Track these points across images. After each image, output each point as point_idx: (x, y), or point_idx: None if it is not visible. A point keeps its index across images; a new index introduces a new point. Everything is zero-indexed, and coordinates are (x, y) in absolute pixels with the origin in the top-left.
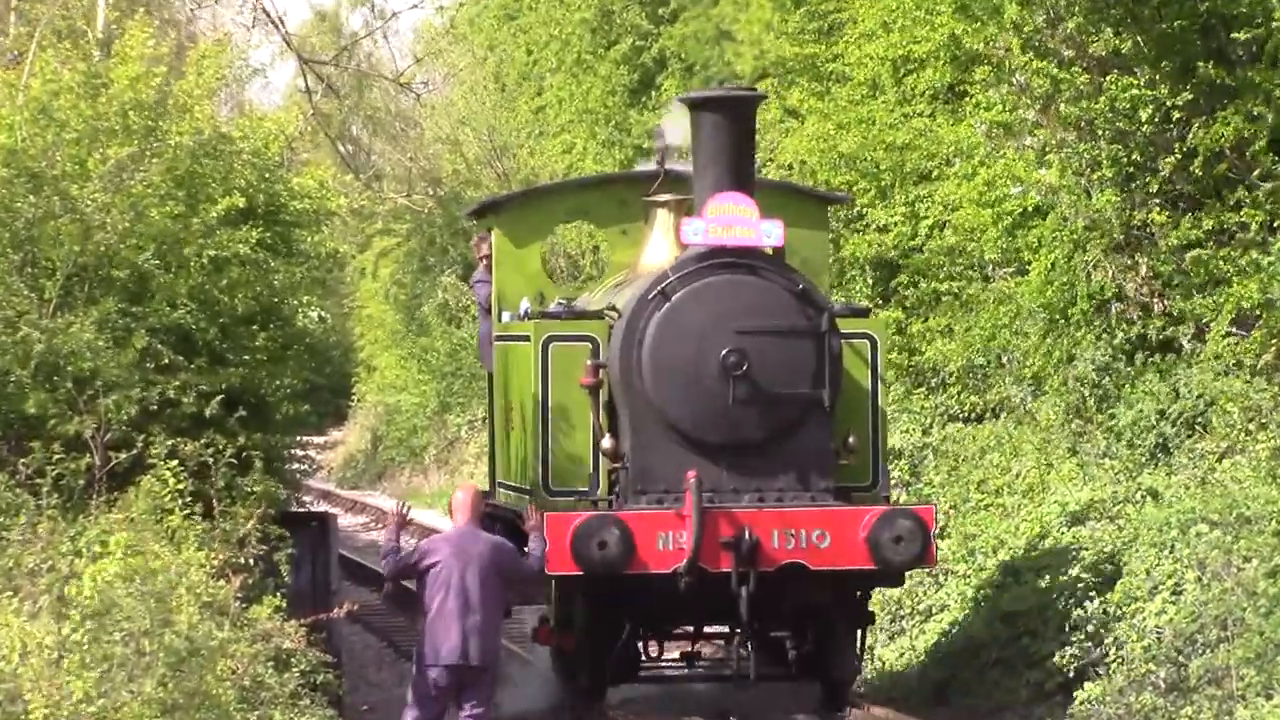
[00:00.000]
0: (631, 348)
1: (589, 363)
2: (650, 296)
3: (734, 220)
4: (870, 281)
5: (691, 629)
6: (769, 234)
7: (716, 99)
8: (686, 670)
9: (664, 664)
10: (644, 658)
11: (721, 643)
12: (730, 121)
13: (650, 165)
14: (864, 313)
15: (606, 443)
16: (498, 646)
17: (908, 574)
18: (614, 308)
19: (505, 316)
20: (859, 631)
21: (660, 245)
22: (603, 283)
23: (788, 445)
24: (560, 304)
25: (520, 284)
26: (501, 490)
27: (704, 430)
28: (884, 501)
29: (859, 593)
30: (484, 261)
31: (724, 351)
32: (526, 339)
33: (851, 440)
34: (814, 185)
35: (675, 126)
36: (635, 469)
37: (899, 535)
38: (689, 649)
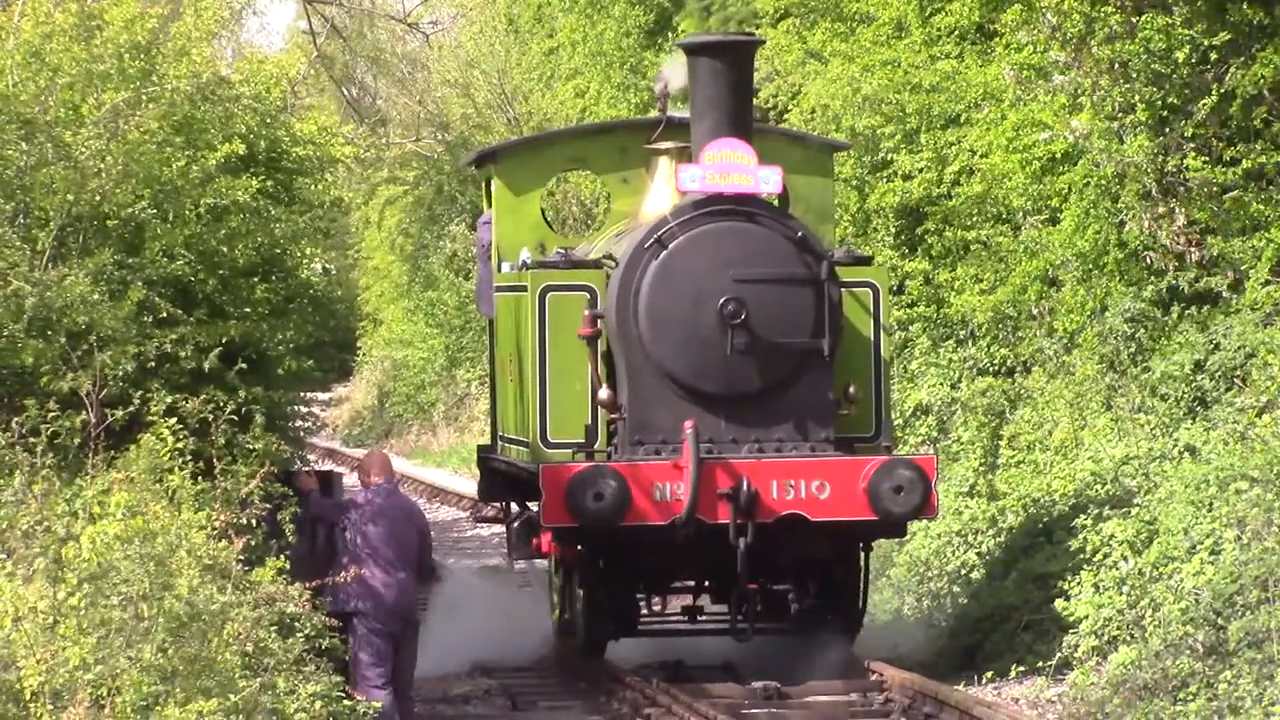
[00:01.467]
0: (628, 297)
1: (586, 313)
2: (647, 245)
3: (731, 167)
4: (894, 230)
5: (693, 583)
6: (767, 180)
7: (713, 44)
8: (686, 625)
9: (665, 618)
10: (645, 612)
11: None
12: (728, 67)
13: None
14: (866, 261)
15: (604, 394)
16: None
17: (916, 528)
18: (611, 256)
19: (505, 267)
20: (861, 583)
21: (662, 193)
22: (604, 231)
23: (787, 395)
24: (559, 253)
25: (520, 233)
26: (503, 443)
27: (702, 380)
28: (885, 452)
29: (860, 544)
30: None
31: (721, 300)
32: (524, 289)
33: (852, 390)
34: (839, 130)
35: (677, 72)
36: (633, 420)
37: (899, 485)
38: (690, 603)
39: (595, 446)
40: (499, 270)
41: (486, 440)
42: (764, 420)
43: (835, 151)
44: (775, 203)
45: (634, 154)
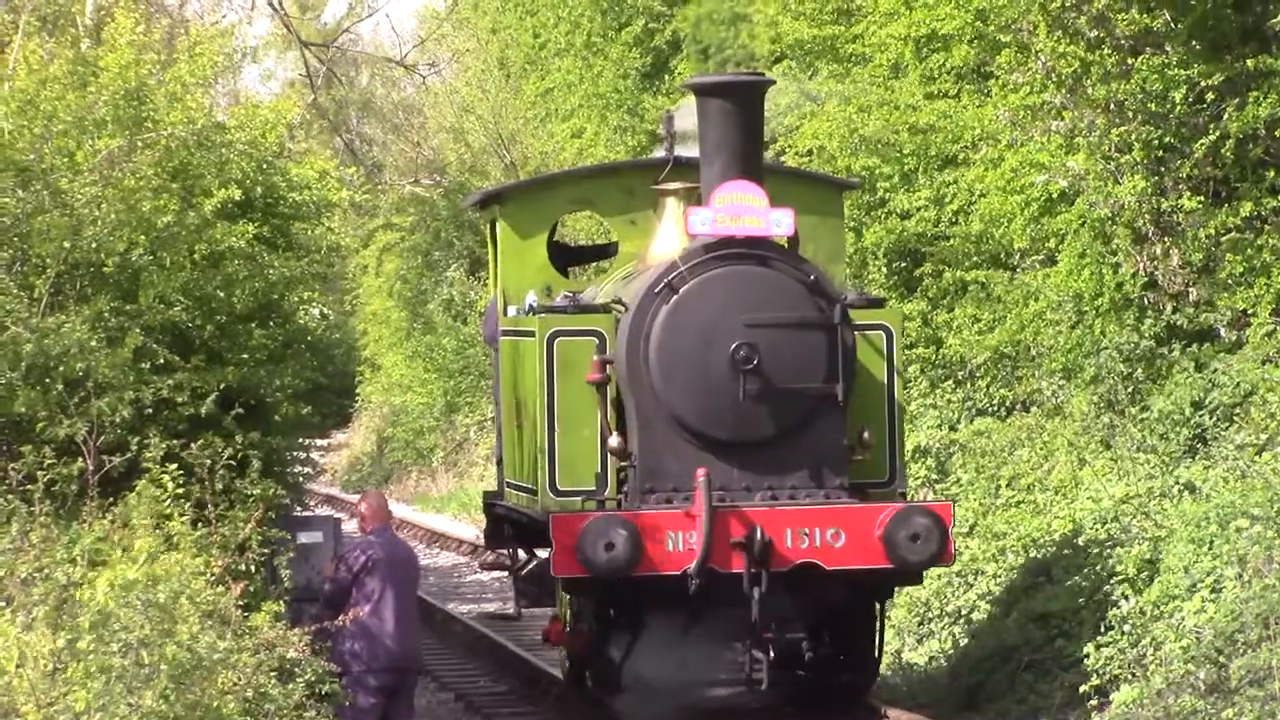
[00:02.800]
0: (638, 342)
1: (595, 358)
2: (657, 289)
3: (742, 209)
4: (886, 271)
5: None
6: (779, 223)
7: (723, 84)
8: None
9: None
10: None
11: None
12: (738, 108)
13: (660, 152)
14: (879, 303)
15: (614, 440)
16: (420, 652)
17: (926, 574)
18: (621, 301)
19: (510, 310)
20: (876, 634)
21: (670, 235)
22: (611, 274)
23: (800, 441)
24: (566, 297)
25: (526, 276)
26: (510, 490)
27: (713, 427)
28: (901, 499)
29: (875, 593)
30: None
31: (733, 345)
32: (531, 334)
33: (866, 435)
34: (835, 170)
35: (685, 113)
36: (643, 467)
37: (916, 533)
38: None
39: (605, 494)
40: (504, 314)
41: (489, 485)
42: (777, 467)
43: (845, 190)
44: (785, 244)
45: (641, 195)
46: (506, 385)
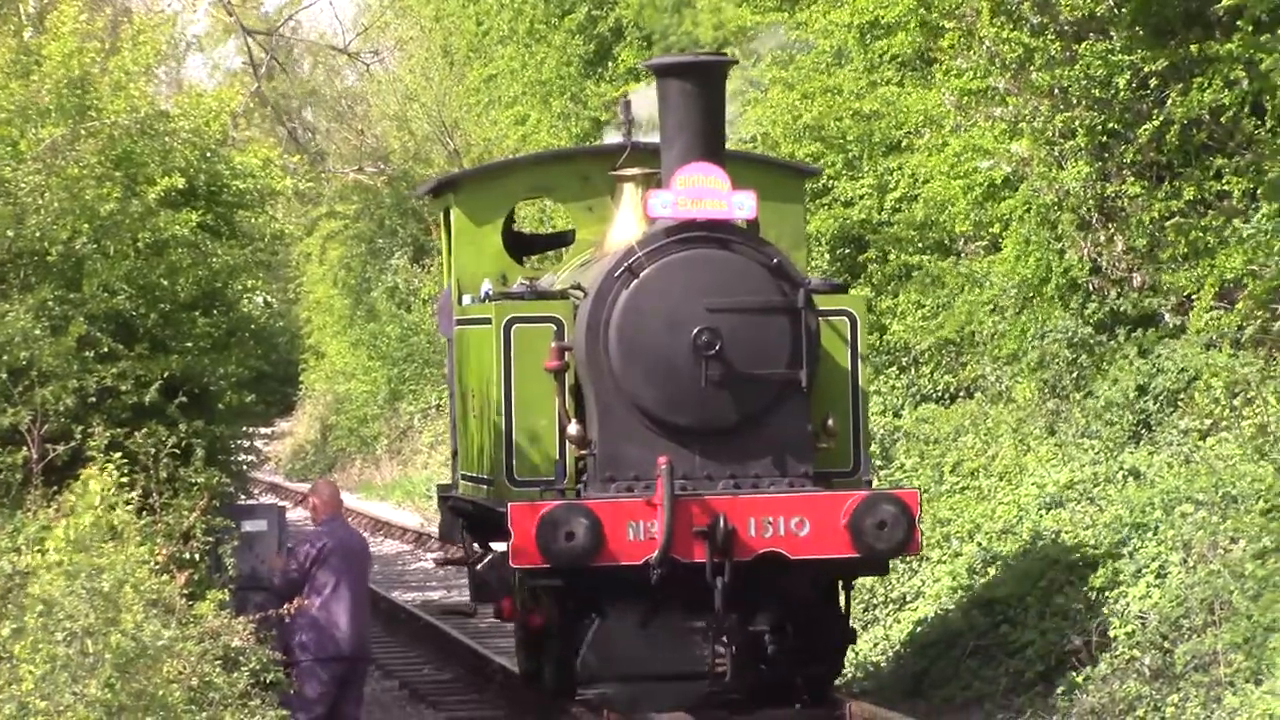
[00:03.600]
0: (598, 328)
1: (553, 345)
2: (617, 274)
3: (704, 192)
4: (830, 258)
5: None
6: (741, 206)
7: (684, 65)
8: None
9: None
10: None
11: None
12: (699, 88)
13: (616, 138)
14: (842, 289)
15: (573, 429)
16: (369, 641)
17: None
18: (579, 286)
19: (465, 299)
20: (842, 623)
21: (628, 222)
22: (568, 262)
23: (763, 428)
24: (523, 284)
25: (481, 264)
26: (465, 483)
27: (675, 414)
28: (866, 486)
29: (841, 583)
30: None
31: (695, 330)
32: (488, 322)
33: (830, 423)
34: (778, 157)
35: (642, 99)
36: (603, 456)
37: (882, 521)
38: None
39: (564, 484)
40: (459, 303)
41: (433, 473)
42: (740, 455)
43: (805, 177)
44: (746, 228)
45: (598, 181)
46: (462, 375)
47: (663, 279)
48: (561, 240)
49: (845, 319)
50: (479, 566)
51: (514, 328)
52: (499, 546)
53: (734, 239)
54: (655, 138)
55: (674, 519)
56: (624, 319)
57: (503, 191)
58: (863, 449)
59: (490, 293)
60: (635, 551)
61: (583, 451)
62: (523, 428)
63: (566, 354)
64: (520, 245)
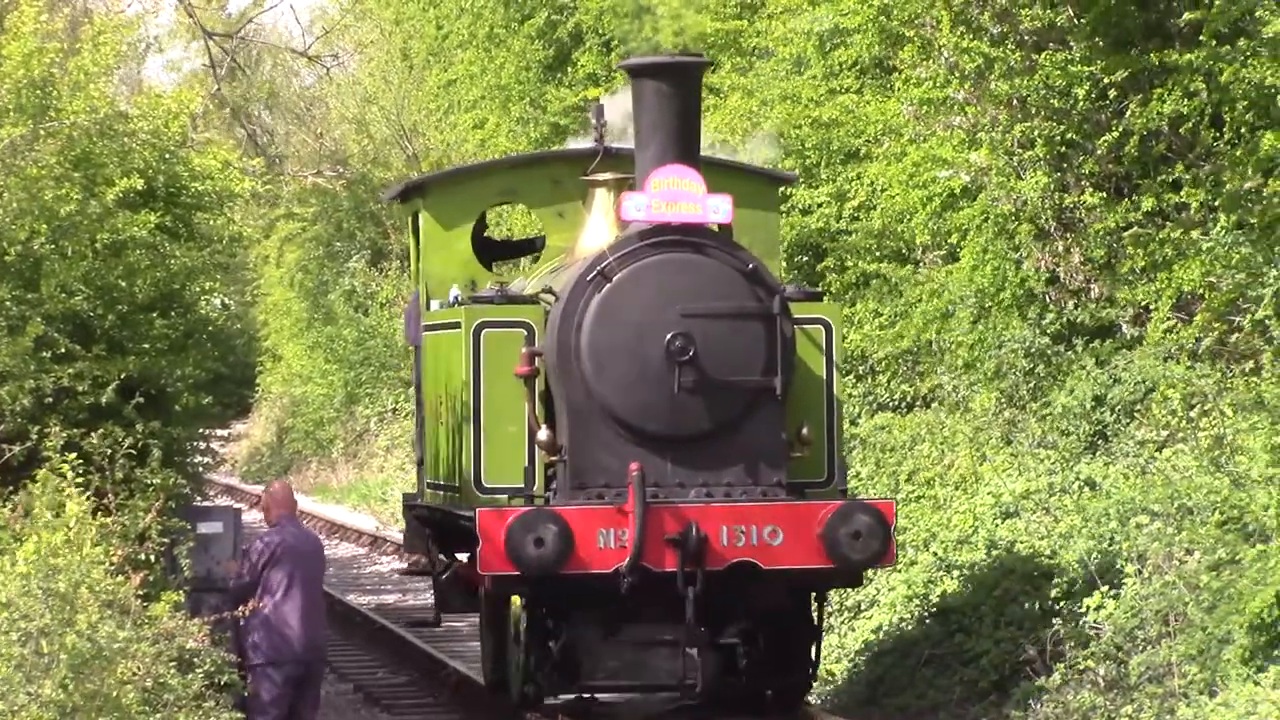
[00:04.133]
0: (569, 333)
1: (524, 350)
2: (589, 278)
3: (678, 195)
4: (787, 266)
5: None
6: (716, 209)
7: (659, 65)
8: (630, 680)
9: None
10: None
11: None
12: (674, 89)
13: (586, 142)
14: (818, 296)
15: (543, 435)
16: (327, 637)
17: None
18: (550, 290)
19: (434, 304)
20: (814, 635)
21: (600, 227)
22: (538, 267)
23: (737, 436)
24: (493, 289)
25: (450, 269)
26: (430, 490)
27: (647, 420)
28: (840, 496)
29: (814, 594)
30: None
31: (669, 336)
32: (457, 326)
33: (805, 431)
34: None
35: (615, 104)
36: (574, 463)
37: (857, 531)
38: (630, 656)
39: (533, 491)
40: (427, 308)
41: (389, 476)
42: (713, 463)
43: (780, 184)
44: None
45: (569, 186)
46: (430, 381)
47: (636, 283)
48: (531, 246)
49: (821, 327)
50: (444, 577)
51: (484, 332)
52: (464, 558)
53: (709, 243)
54: (626, 143)
55: (645, 527)
56: (596, 324)
57: (472, 196)
58: (837, 458)
59: (459, 298)
60: (605, 559)
61: (553, 458)
62: (492, 434)
63: (537, 359)
64: (489, 251)
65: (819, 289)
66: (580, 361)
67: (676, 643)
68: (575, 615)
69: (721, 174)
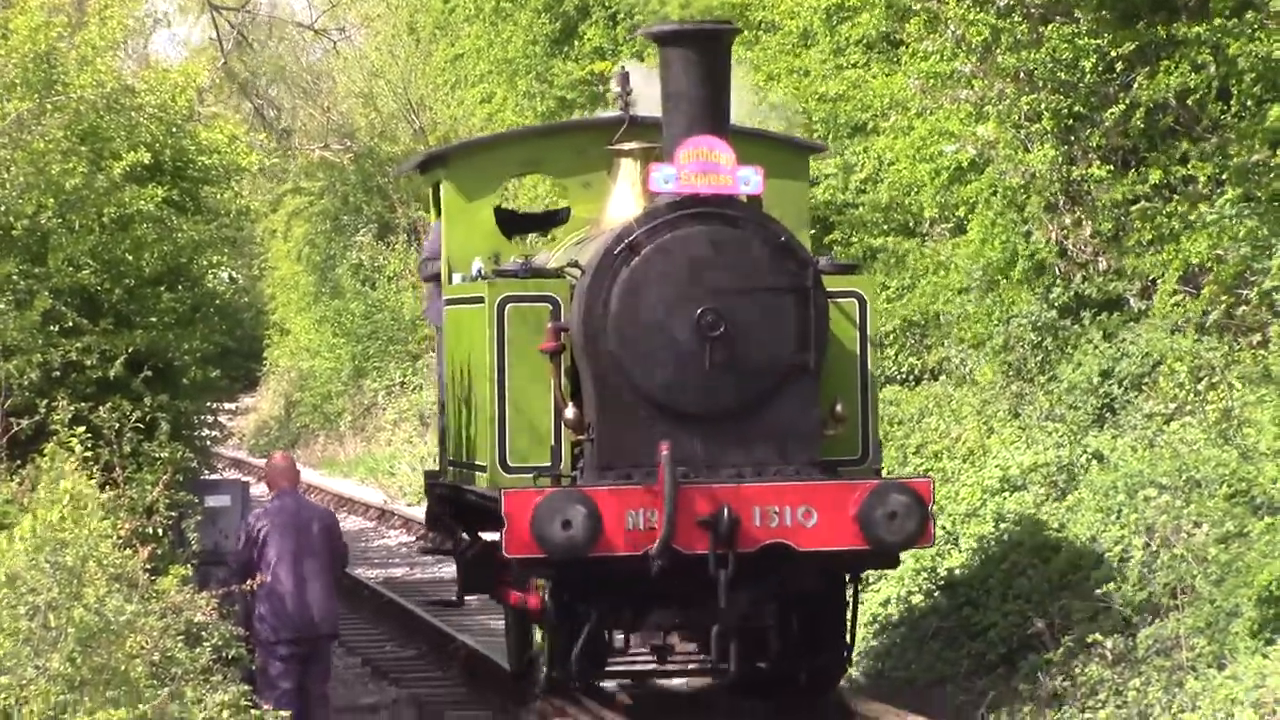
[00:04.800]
0: (596, 308)
1: (549, 325)
2: (616, 251)
3: (708, 166)
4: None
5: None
6: (747, 181)
7: (687, 33)
8: (659, 664)
9: (633, 657)
10: (610, 650)
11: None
12: (702, 58)
13: (613, 111)
14: (851, 269)
15: (569, 413)
16: (337, 611)
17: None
18: (576, 264)
19: (456, 278)
20: (848, 620)
21: (626, 198)
22: (563, 240)
23: (769, 414)
24: (518, 262)
25: (472, 242)
26: (454, 468)
27: (677, 398)
28: (875, 475)
29: (848, 576)
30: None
31: (699, 311)
32: (480, 301)
33: (839, 408)
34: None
35: (639, 70)
36: (601, 441)
37: (893, 511)
38: (660, 641)
39: (559, 470)
40: (449, 281)
41: (397, 449)
42: (744, 441)
43: (810, 153)
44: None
45: (594, 156)
46: (451, 356)
47: (665, 257)
48: (553, 220)
49: (854, 300)
50: (466, 556)
51: (508, 307)
52: (488, 537)
53: (740, 215)
54: (654, 111)
55: (675, 508)
56: (624, 299)
57: (495, 166)
58: (872, 436)
59: (482, 271)
60: (635, 542)
61: (579, 437)
62: (516, 412)
63: (563, 335)
64: (510, 225)
65: (853, 263)
66: (607, 337)
67: (707, 626)
68: (603, 599)
69: (749, 143)
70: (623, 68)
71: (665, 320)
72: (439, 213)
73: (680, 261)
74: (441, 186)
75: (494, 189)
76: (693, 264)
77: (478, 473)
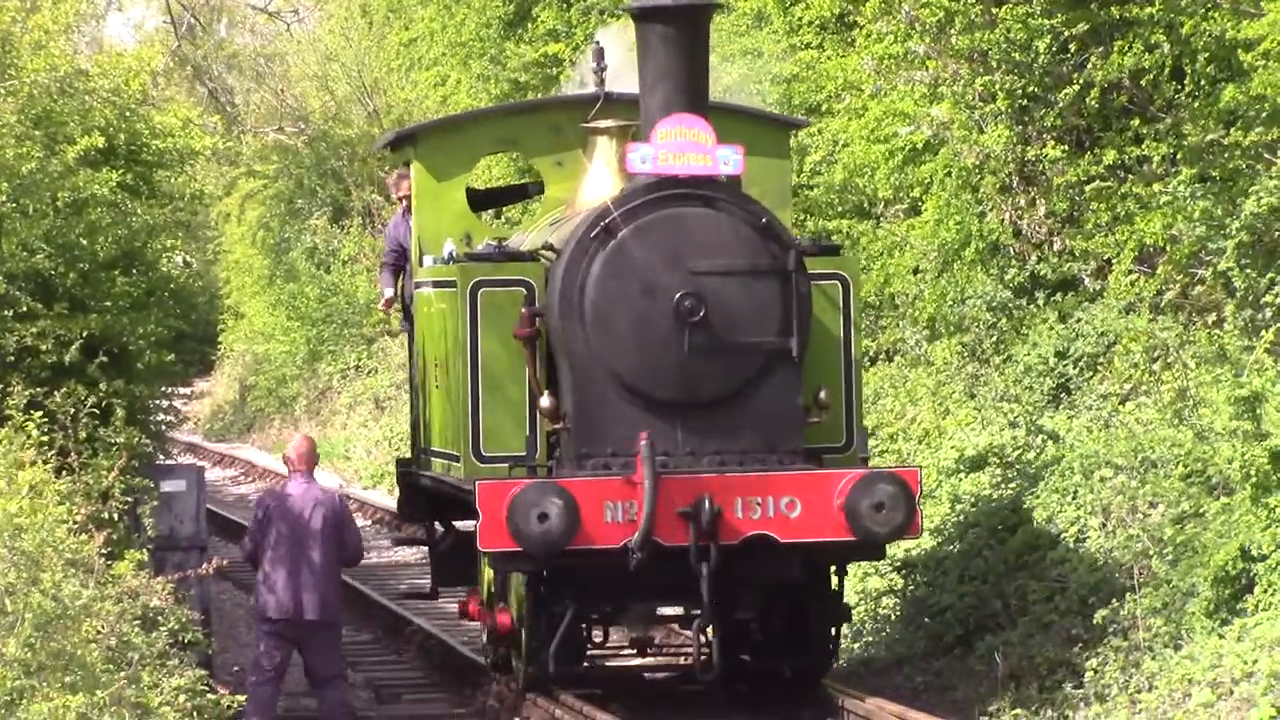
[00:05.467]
0: (572, 293)
1: (524, 310)
2: (592, 234)
3: (687, 146)
4: None
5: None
6: (726, 161)
7: (665, 8)
8: (639, 659)
9: (612, 651)
10: (589, 645)
11: (675, 627)
12: (681, 34)
13: (588, 88)
14: (834, 250)
15: (545, 401)
16: (335, 600)
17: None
18: (551, 247)
19: (426, 260)
20: (834, 612)
21: (601, 177)
22: (537, 221)
23: (751, 401)
24: (490, 245)
25: (443, 223)
26: (426, 456)
27: (656, 385)
28: (861, 464)
29: (834, 568)
30: (404, 203)
31: (678, 295)
32: (452, 285)
33: (823, 395)
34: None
35: (615, 44)
36: (578, 430)
37: (880, 502)
38: (640, 634)
39: (535, 460)
40: (420, 264)
41: (352, 434)
42: (725, 430)
43: (790, 129)
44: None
45: (569, 134)
46: (423, 342)
47: (642, 240)
48: (522, 194)
49: (837, 283)
50: (440, 548)
51: (481, 291)
52: (461, 526)
53: (719, 196)
54: (631, 87)
55: (655, 499)
56: (600, 283)
57: (467, 145)
58: (856, 423)
59: (454, 253)
60: (613, 534)
61: (556, 425)
62: (490, 400)
63: (538, 320)
64: (478, 202)
65: (837, 244)
66: (584, 323)
67: (688, 620)
68: (580, 592)
69: (727, 119)
70: (597, 42)
71: (643, 305)
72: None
73: (658, 244)
74: (412, 166)
75: (466, 169)
76: (670, 247)
77: (451, 462)
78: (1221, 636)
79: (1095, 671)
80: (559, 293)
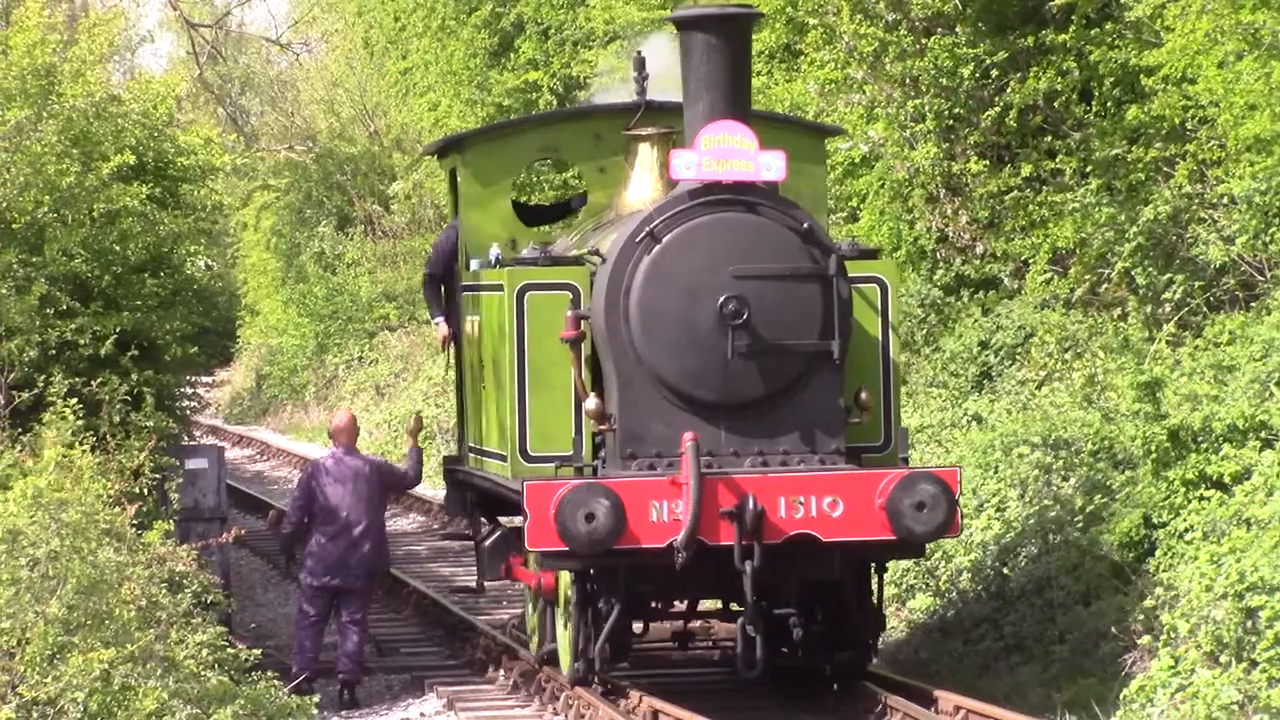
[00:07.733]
0: (617, 296)
1: (570, 314)
2: (638, 239)
3: (730, 152)
4: None
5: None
6: (769, 167)
7: (709, 17)
8: (682, 652)
9: (654, 645)
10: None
11: (714, 621)
12: (724, 42)
13: (622, 95)
14: (873, 254)
15: (590, 402)
16: (374, 560)
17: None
18: (597, 252)
19: (473, 264)
20: (874, 609)
21: (643, 183)
22: (580, 226)
23: (793, 403)
24: (535, 249)
25: (489, 228)
26: (474, 456)
27: (700, 387)
28: (901, 464)
29: (875, 567)
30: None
31: (721, 299)
32: (499, 289)
33: (864, 396)
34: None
35: (656, 53)
36: (623, 431)
37: (921, 501)
38: (679, 627)
39: (580, 460)
40: (466, 268)
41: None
42: (768, 430)
43: (826, 136)
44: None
45: (611, 141)
46: (469, 343)
47: (686, 244)
48: (567, 210)
49: (876, 286)
50: (486, 544)
51: (527, 295)
52: (506, 522)
53: (762, 202)
54: (671, 95)
55: (700, 499)
56: (645, 287)
57: (512, 152)
58: (895, 423)
59: (499, 258)
60: (659, 534)
61: (601, 426)
62: (536, 401)
63: (583, 323)
64: (524, 217)
65: (875, 247)
66: (629, 326)
67: (732, 617)
68: (626, 590)
69: (767, 126)
70: (639, 52)
71: (687, 308)
72: (455, 198)
73: (702, 249)
74: (458, 172)
75: (512, 175)
76: (714, 252)
77: (498, 461)
78: (1125, 594)
79: (1014, 626)
80: (604, 296)
